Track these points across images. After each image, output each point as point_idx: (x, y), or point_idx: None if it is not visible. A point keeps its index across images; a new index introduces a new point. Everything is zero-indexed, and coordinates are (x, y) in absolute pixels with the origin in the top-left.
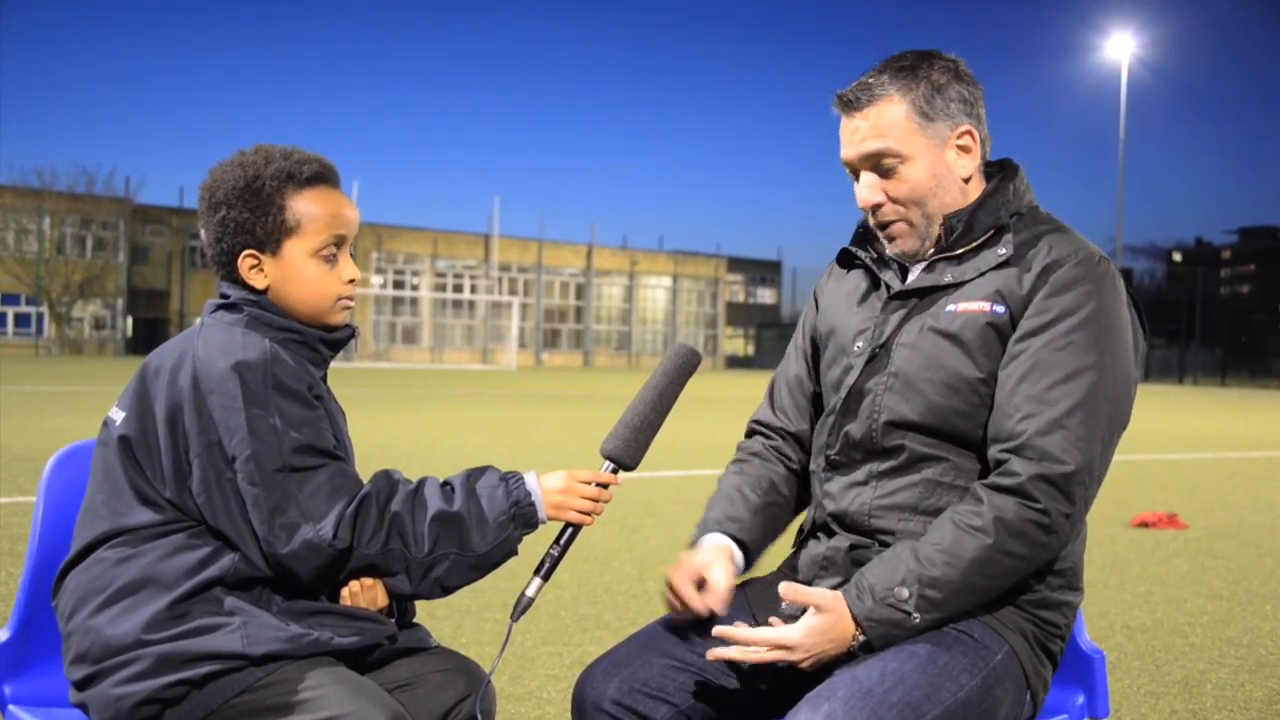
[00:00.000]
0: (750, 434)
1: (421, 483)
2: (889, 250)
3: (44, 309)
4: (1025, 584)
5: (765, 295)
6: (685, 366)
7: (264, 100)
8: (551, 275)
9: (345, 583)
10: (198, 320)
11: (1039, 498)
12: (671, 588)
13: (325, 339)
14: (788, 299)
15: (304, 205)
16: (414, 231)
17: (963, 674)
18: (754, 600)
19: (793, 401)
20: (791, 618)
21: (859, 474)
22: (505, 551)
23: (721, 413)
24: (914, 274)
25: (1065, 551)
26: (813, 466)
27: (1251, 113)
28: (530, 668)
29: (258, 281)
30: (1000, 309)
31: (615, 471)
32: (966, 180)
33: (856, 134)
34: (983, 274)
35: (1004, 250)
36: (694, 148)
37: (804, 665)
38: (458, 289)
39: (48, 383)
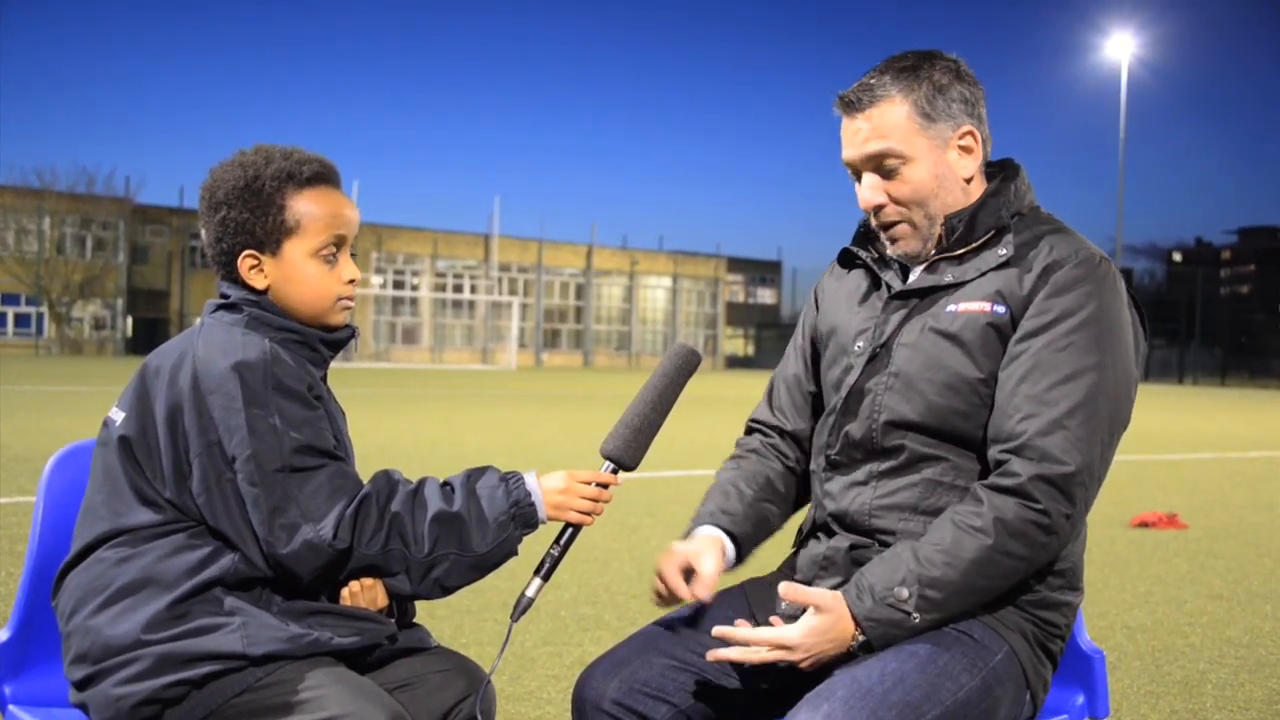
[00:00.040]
0: (749, 432)
1: (421, 483)
2: (891, 251)
3: (44, 309)
4: (1025, 584)
5: (765, 295)
6: (685, 367)
7: (264, 100)
8: (551, 275)
9: (345, 583)
10: (198, 320)
11: (1039, 498)
12: (660, 575)
13: (325, 339)
14: (788, 299)
15: (304, 205)
16: (414, 231)
17: (962, 674)
18: (754, 600)
19: (791, 401)
20: (791, 617)
21: (859, 474)
22: (505, 552)
23: (721, 413)
24: (915, 274)
25: (1065, 552)
26: (813, 466)
27: (1251, 113)
28: (530, 668)
29: (258, 282)
30: (1001, 309)
31: (615, 471)
32: (968, 180)
33: (858, 135)
34: (983, 274)
35: (1005, 250)
36: (694, 148)
37: (804, 665)
38: (458, 289)
39: (48, 383)
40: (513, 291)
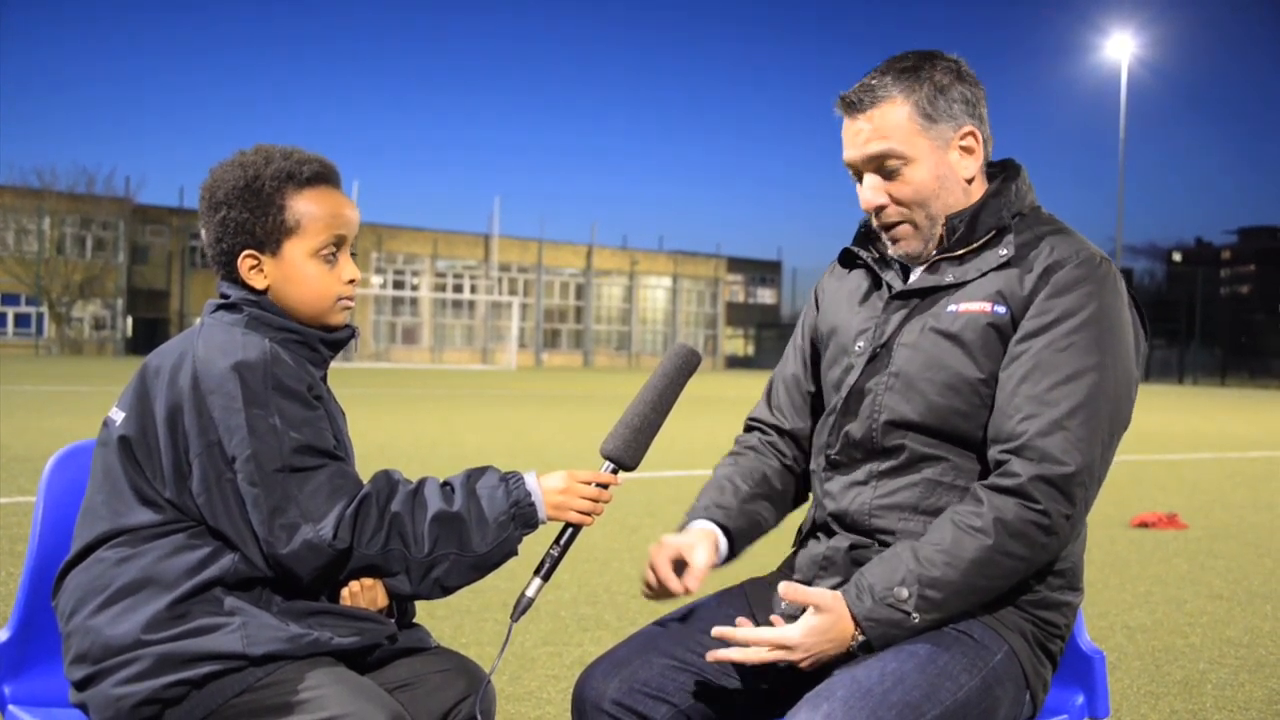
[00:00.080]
0: (748, 430)
1: (421, 483)
2: (892, 251)
3: (44, 309)
4: (1025, 584)
5: (765, 295)
6: (685, 367)
7: (264, 100)
8: (551, 275)
9: (345, 583)
10: (198, 320)
11: (1039, 499)
12: (651, 566)
13: (325, 339)
14: (788, 299)
15: (304, 205)
16: (414, 231)
17: (962, 674)
18: (754, 600)
19: (789, 400)
20: (792, 617)
21: (859, 474)
22: (505, 552)
23: (721, 413)
24: (916, 274)
25: (1065, 552)
26: (813, 466)
27: (1251, 113)
28: (530, 668)
29: (258, 282)
30: (1001, 309)
31: (615, 472)
32: (969, 181)
33: (859, 136)
34: (984, 274)
35: (1005, 251)
36: (694, 148)
37: (803, 665)
38: (458, 289)
39: (48, 383)
40: (513, 291)
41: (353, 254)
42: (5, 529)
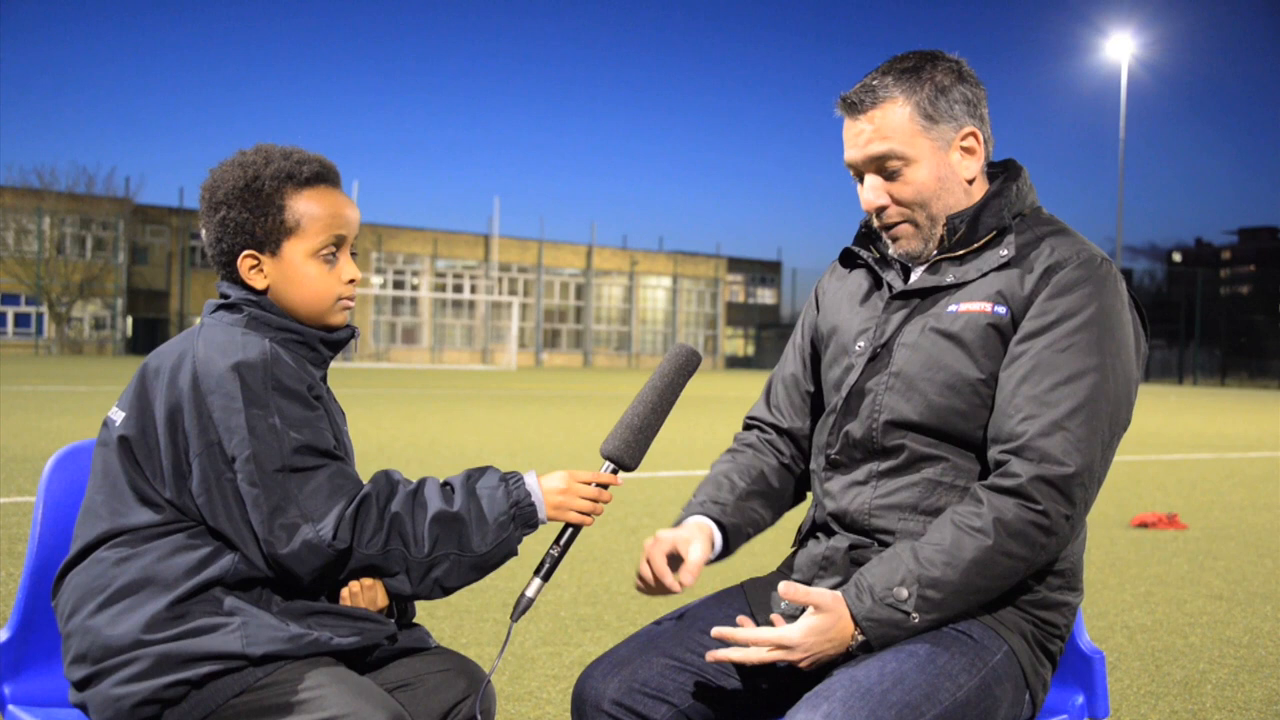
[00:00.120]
0: (746, 428)
1: (421, 483)
2: (892, 250)
3: (44, 309)
4: (1025, 584)
5: (765, 295)
6: (685, 367)
7: (264, 100)
8: (551, 275)
9: (345, 583)
10: (198, 320)
11: (1039, 499)
12: (647, 560)
13: (325, 339)
14: (788, 299)
15: (303, 205)
16: (414, 231)
17: (961, 674)
18: (753, 600)
19: (788, 399)
20: (792, 617)
21: (859, 473)
22: (505, 552)
23: (721, 413)
24: (916, 274)
25: (1065, 552)
26: (813, 466)
27: (1251, 113)
28: (530, 668)
29: (257, 282)
30: (1002, 310)
31: (615, 472)
32: (970, 181)
33: (860, 136)
34: (984, 275)
35: (1006, 251)
36: (694, 148)
37: (803, 665)
38: (458, 289)
39: (48, 383)
40: (513, 291)
41: (353, 254)
42: (5, 529)
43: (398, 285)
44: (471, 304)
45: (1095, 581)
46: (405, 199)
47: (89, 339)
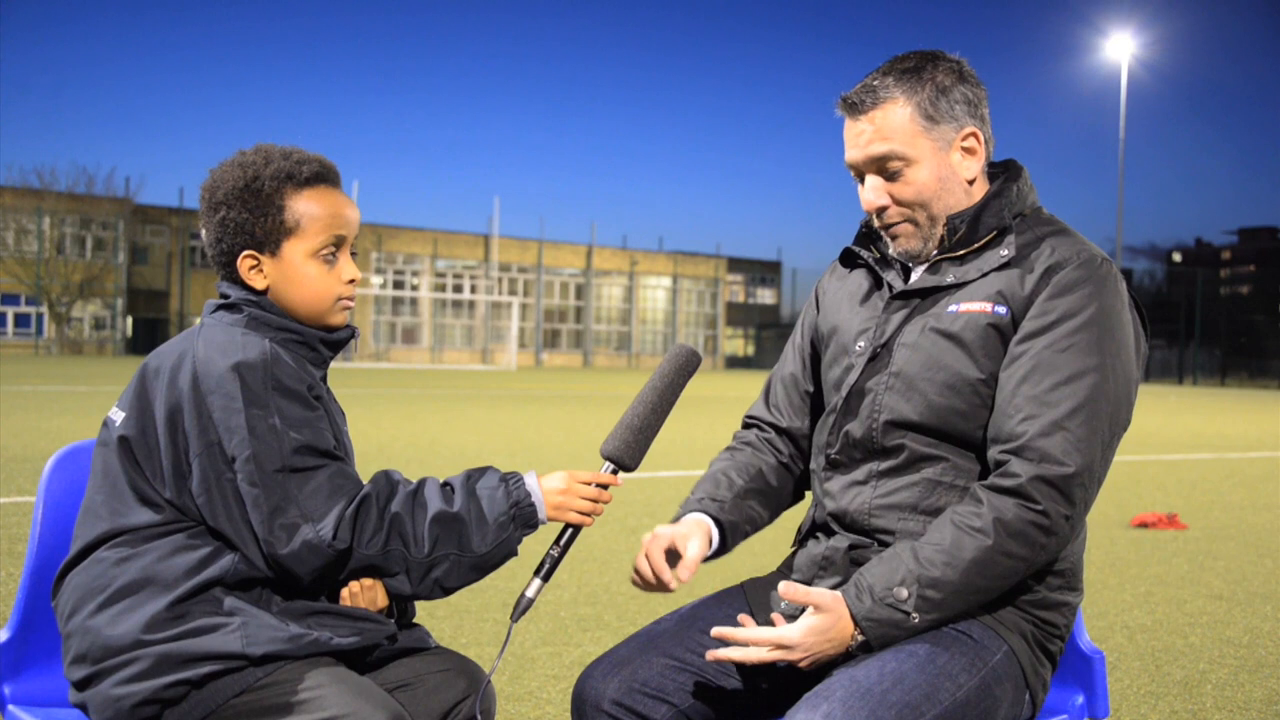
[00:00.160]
0: (745, 426)
1: (421, 483)
2: (892, 249)
3: (44, 309)
4: (1024, 584)
5: (765, 295)
6: (685, 368)
7: (264, 100)
8: (551, 275)
9: (345, 583)
10: (197, 320)
11: (1039, 499)
12: (646, 556)
13: (325, 339)
14: (788, 299)
15: (303, 205)
16: (414, 231)
17: (961, 674)
18: (753, 600)
19: (787, 399)
20: (792, 617)
21: (859, 473)
22: (505, 552)
23: (721, 413)
24: (916, 274)
25: (1065, 552)
26: (813, 466)
27: (1251, 113)
28: (530, 668)
29: (257, 282)
30: (1002, 310)
31: (615, 472)
32: (971, 182)
33: (861, 137)
34: (985, 275)
35: (1006, 251)
36: (694, 148)
37: (803, 665)
38: (458, 289)
39: (48, 383)
40: (513, 291)
41: (353, 254)
42: (5, 529)
43: (398, 285)
44: (471, 304)
45: (1095, 581)
46: (405, 199)
47: (89, 339)
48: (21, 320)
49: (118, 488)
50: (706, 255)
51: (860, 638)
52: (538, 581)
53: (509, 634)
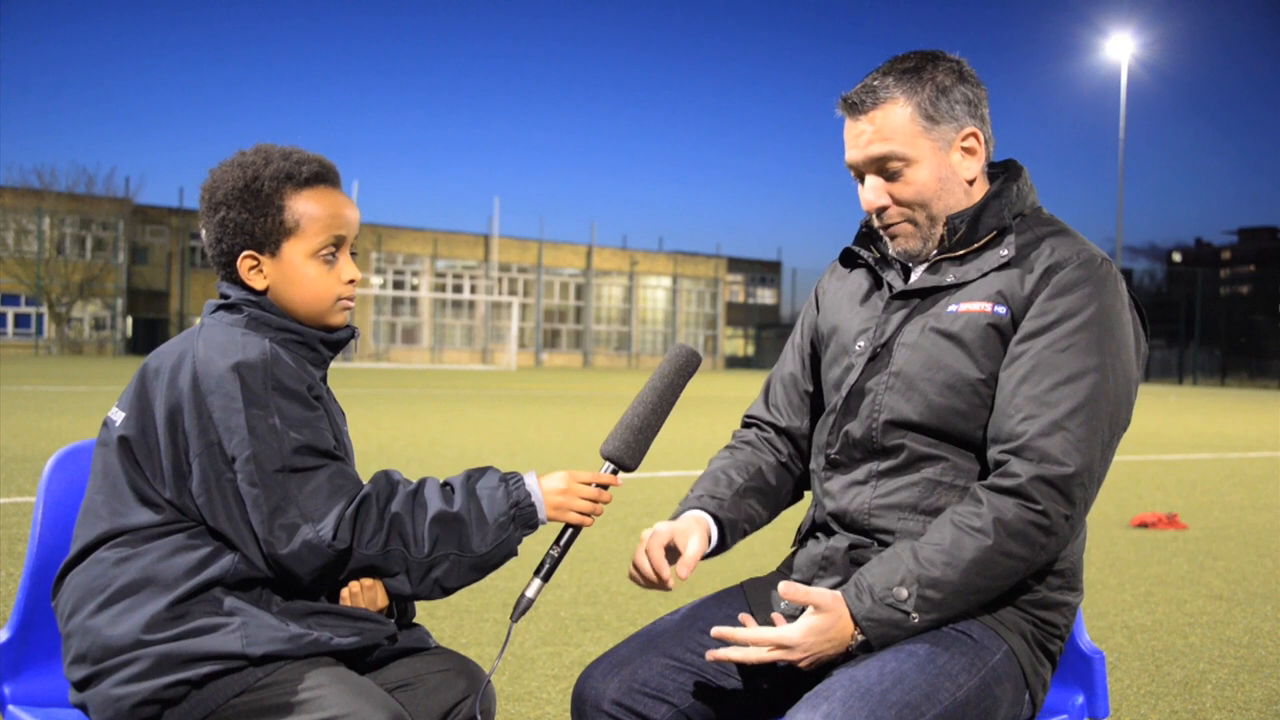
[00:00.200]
0: (745, 426)
1: (421, 483)
2: (892, 249)
3: (44, 309)
4: (1024, 584)
5: (765, 295)
6: (685, 368)
7: (264, 100)
8: (551, 275)
9: (345, 583)
10: (197, 320)
11: (1039, 499)
12: (646, 552)
13: (325, 339)
14: (788, 299)
15: (303, 206)
16: (414, 231)
17: (961, 674)
18: (753, 600)
19: (787, 399)
20: (792, 617)
21: (859, 473)
22: (505, 552)
23: (721, 413)
24: (916, 274)
25: (1065, 552)
26: (813, 466)
27: (1251, 113)
28: (530, 668)
29: (257, 282)
30: (1002, 310)
31: (615, 472)
32: (971, 182)
33: (861, 137)
34: (985, 275)
35: (1006, 251)
36: (694, 148)
37: (803, 665)
38: (457, 289)
39: (48, 383)
40: (513, 291)
41: (353, 254)
42: (5, 529)
43: (398, 285)
44: (471, 304)
45: (1095, 581)
46: (405, 199)
47: (89, 339)
48: (21, 320)
49: (118, 488)
50: (706, 255)
51: (860, 638)
52: (538, 581)
53: (509, 634)
